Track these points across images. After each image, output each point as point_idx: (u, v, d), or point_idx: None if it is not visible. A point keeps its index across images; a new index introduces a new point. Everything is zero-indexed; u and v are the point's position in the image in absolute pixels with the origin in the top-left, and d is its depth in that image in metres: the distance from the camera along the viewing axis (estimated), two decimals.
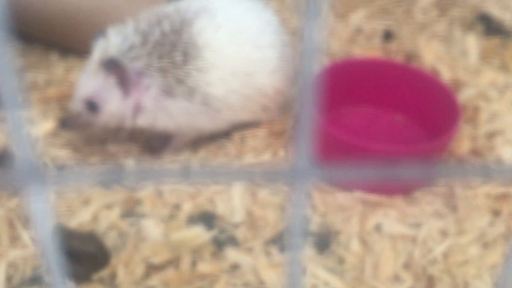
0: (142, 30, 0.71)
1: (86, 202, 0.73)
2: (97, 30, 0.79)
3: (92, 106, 0.71)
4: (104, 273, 0.63)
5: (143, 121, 0.73)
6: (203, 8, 0.75)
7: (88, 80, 0.71)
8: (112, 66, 0.68)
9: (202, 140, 0.82)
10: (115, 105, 0.70)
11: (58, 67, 0.97)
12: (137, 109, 0.72)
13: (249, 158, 0.79)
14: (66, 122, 0.73)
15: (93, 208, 0.72)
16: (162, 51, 0.70)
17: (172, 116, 0.73)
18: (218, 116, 0.75)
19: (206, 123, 0.76)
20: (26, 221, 0.68)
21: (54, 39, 1.02)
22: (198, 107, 0.73)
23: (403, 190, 0.75)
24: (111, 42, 0.70)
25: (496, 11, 1.10)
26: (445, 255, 0.64)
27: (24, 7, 0.96)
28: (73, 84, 0.91)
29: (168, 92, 0.70)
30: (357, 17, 1.16)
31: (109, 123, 0.73)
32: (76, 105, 0.72)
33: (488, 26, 1.08)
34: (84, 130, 0.77)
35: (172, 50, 0.71)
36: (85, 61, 0.96)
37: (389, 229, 0.68)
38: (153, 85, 0.69)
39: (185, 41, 0.71)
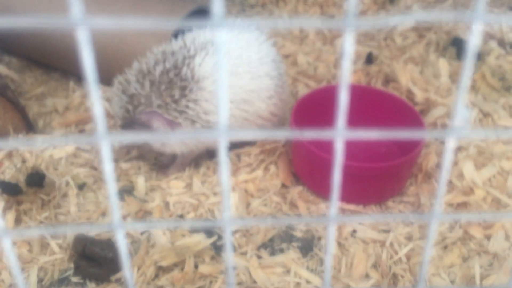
0: (142, 73, 0.81)
1: (103, 214, 0.85)
2: (111, 63, 0.91)
3: None
4: (121, 275, 0.75)
5: (154, 146, 0.86)
6: (206, 42, 0.84)
7: None
8: (127, 126, 0.82)
9: (202, 158, 0.93)
10: None
11: (76, 93, 1.09)
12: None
13: (244, 174, 0.90)
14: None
15: (109, 220, 0.83)
16: (161, 89, 0.80)
17: (177, 141, 0.84)
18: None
19: (208, 143, 0.88)
20: (54, 231, 0.80)
21: (71, 69, 1.14)
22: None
23: (377, 199, 0.86)
24: (114, 101, 0.83)
25: (467, 36, 1.22)
26: (408, 257, 0.75)
27: (44, 40, 1.09)
28: (89, 110, 1.04)
29: (171, 122, 0.81)
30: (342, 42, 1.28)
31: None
32: None
33: (460, 50, 1.20)
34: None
35: (170, 87, 0.80)
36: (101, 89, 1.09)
37: (362, 235, 0.79)
38: (156, 120, 0.81)
39: (184, 75, 0.80)
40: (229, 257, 0.30)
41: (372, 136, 0.28)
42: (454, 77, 1.14)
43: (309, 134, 0.28)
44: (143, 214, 0.86)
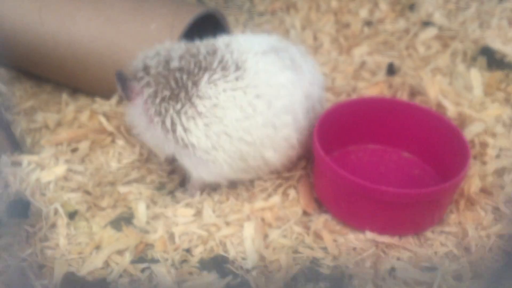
0: (167, 56, 0.74)
1: (97, 247, 0.73)
2: (110, 74, 0.80)
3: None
4: None
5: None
6: (232, 62, 0.73)
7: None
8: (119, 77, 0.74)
9: (219, 184, 0.81)
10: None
11: (69, 108, 0.97)
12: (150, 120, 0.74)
13: (260, 201, 0.79)
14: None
15: (104, 254, 0.71)
16: (170, 81, 0.72)
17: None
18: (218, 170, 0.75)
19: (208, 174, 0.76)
20: (39, 270, 0.68)
21: (65, 80, 1.03)
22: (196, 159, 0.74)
23: (415, 230, 0.74)
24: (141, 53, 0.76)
25: (497, 45, 1.12)
26: None
27: (35, 49, 0.98)
28: (83, 126, 0.93)
29: (145, 113, 0.73)
30: (361, 52, 1.18)
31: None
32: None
33: (490, 59, 1.10)
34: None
35: (177, 86, 0.72)
36: (95, 101, 0.98)
37: (403, 274, 0.67)
38: (136, 95, 0.74)
39: (189, 84, 0.72)
40: None
41: None
42: (487, 89, 1.03)
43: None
44: (144, 248, 0.74)
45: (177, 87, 0.72)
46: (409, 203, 0.70)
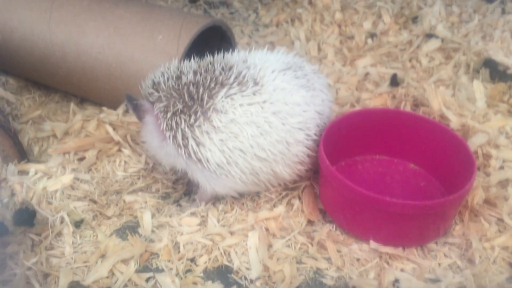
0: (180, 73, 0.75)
1: (103, 256, 0.73)
2: (116, 84, 0.82)
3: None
4: None
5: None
6: (249, 79, 0.73)
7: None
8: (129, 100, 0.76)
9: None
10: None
11: (76, 117, 0.98)
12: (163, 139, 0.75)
13: (264, 211, 0.79)
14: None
15: (109, 263, 0.71)
16: (184, 97, 0.72)
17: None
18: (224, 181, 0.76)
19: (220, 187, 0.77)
20: (44, 279, 0.68)
21: (73, 90, 1.05)
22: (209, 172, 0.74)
23: (419, 242, 0.74)
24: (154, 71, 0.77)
25: (500, 57, 1.12)
26: None
27: (44, 59, 0.99)
28: (90, 135, 0.94)
29: (158, 130, 0.74)
30: (365, 63, 1.19)
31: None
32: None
33: (493, 71, 1.10)
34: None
35: (191, 100, 0.72)
36: (102, 111, 0.99)
37: (407, 285, 0.67)
38: (149, 115, 0.75)
39: (205, 98, 0.72)
40: None
41: None
42: (490, 101, 1.04)
43: None
44: (149, 257, 0.74)
45: (191, 100, 0.72)
46: (415, 214, 0.70)
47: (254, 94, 0.72)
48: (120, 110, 0.96)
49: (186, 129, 0.71)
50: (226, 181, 0.74)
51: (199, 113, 0.71)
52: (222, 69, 0.74)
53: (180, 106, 0.71)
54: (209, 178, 0.74)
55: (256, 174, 0.74)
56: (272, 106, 0.72)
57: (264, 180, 0.76)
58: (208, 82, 0.72)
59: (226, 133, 0.71)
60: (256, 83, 0.73)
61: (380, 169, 0.87)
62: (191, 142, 0.71)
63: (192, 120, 0.71)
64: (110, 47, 0.92)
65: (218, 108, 0.71)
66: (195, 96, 0.72)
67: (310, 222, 0.79)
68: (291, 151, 0.74)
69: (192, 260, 0.73)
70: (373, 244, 0.74)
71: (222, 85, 0.72)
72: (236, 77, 0.73)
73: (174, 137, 0.72)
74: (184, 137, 0.72)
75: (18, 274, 0.66)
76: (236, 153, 0.71)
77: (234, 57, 0.77)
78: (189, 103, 0.72)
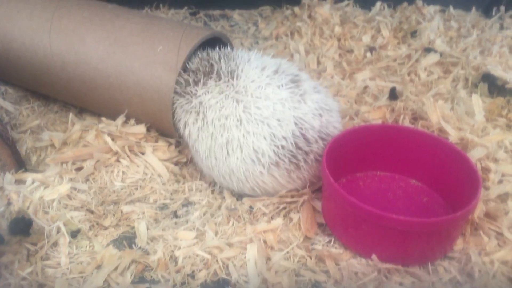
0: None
1: (99, 267, 0.72)
2: (115, 94, 0.82)
3: None
4: None
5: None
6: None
7: None
8: None
9: (219, 208, 0.81)
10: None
11: (75, 127, 0.98)
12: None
13: (262, 223, 0.79)
14: None
15: (104, 274, 0.70)
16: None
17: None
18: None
19: None
20: None
21: (72, 100, 1.05)
22: None
23: (422, 261, 0.73)
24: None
25: (498, 72, 1.13)
26: None
27: (43, 69, 1.00)
28: (89, 145, 0.93)
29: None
30: (364, 76, 1.20)
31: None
32: None
33: (492, 86, 1.11)
34: None
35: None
36: (101, 121, 0.98)
37: None
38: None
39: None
40: None
41: None
42: (488, 115, 1.04)
43: None
44: (145, 268, 0.73)
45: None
46: (420, 231, 0.68)
47: (258, 109, 0.78)
48: (119, 120, 0.96)
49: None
50: (197, 158, 0.85)
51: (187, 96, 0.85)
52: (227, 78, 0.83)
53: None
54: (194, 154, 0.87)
55: (215, 158, 0.81)
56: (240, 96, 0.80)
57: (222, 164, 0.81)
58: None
59: (217, 128, 0.80)
60: (258, 97, 0.79)
61: (381, 185, 0.86)
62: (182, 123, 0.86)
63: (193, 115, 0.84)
64: (110, 58, 0.92)
65: (208, 111, 0.82)
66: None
67: (308, 236, 0.79)
68: (249, 145, 0.78)
69: (191, 274, 0.72)
70: (375, 259, 0.73)
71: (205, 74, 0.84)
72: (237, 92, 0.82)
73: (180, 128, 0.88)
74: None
75: (12, 284, 0.65)
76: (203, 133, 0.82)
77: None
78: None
